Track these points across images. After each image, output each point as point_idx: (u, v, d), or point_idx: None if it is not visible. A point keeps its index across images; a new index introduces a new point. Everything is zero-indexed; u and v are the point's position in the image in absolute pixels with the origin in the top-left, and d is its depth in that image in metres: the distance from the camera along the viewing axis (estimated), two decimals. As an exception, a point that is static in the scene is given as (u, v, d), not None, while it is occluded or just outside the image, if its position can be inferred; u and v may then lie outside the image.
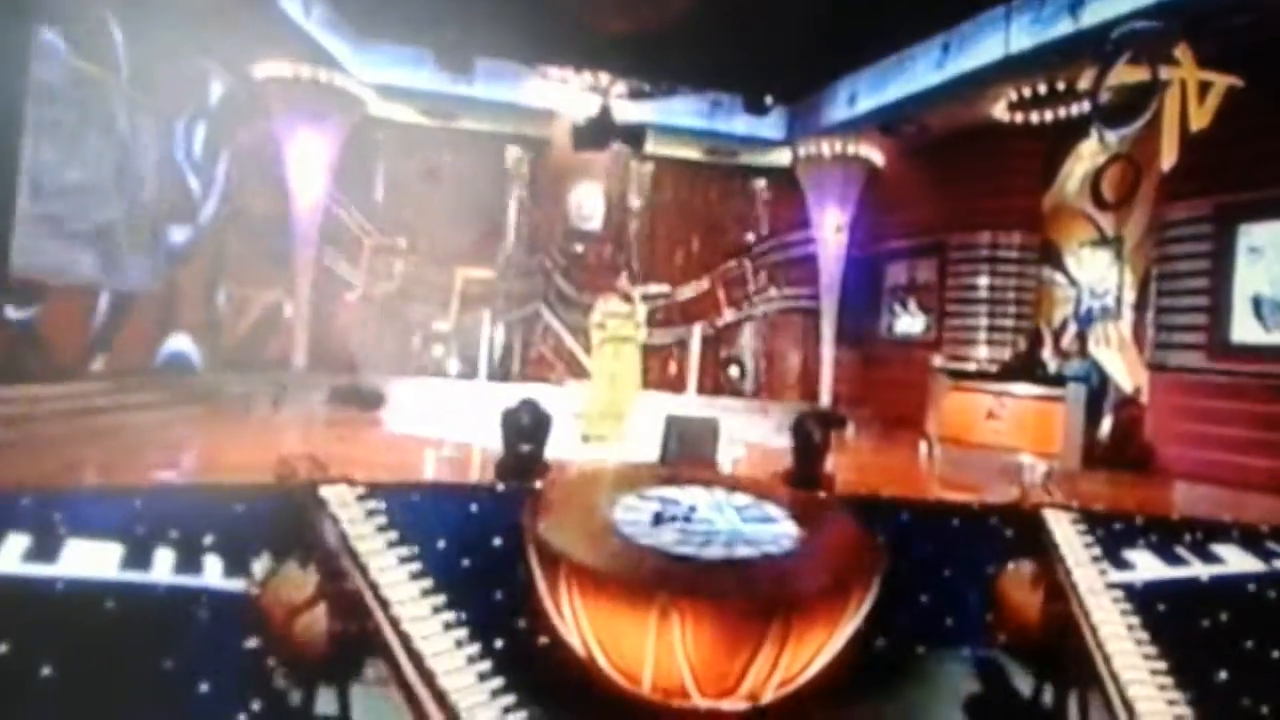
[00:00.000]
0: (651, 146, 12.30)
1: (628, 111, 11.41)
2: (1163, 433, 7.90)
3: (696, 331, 12.95)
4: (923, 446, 9.86)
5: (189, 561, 4.16)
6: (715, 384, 12.89)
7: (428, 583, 3.37)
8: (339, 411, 9.78)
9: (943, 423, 9.07)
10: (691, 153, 13.06)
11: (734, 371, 12.75)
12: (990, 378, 8.75)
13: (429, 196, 12.73)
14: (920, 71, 9.91)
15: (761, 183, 13.62)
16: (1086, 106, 8.51)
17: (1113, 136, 8.47)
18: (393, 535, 3.48)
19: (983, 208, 10.76)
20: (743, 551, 4.61)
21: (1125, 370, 8.93)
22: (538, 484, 5.45)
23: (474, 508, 5.23)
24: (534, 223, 13.13)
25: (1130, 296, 9.08)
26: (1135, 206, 8.84)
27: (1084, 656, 3.69)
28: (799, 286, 13.30)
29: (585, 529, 4.74)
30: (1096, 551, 4.16)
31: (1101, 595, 3.85)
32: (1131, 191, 8.79)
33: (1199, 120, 6.55)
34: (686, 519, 5.06)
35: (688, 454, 6.13)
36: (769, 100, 10.19)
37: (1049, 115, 9.09)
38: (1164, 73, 6.67)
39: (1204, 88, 6.54)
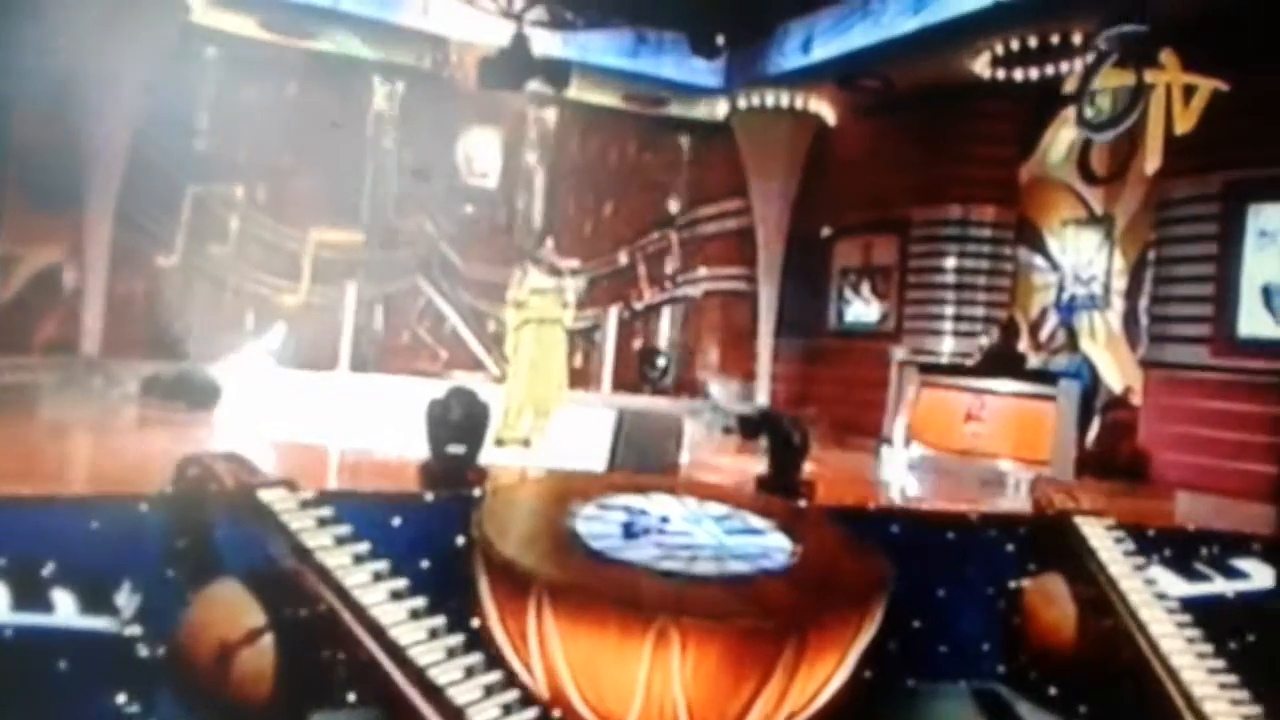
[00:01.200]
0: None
1: (540, 43, 11.37)
2: (1158, 437, 8.54)
3: (612, 316, 13.03)
4: (884, 452, 10.30)
5: (27, 596, 3.94)
6: (634, 379, 13.01)
7: (419, 602, 3.31)
8: (158, 409, 9.30)
9: (913, 425, 9.49)
10: (607, 98, 13.11)
11: (661, 361, 12.92)
12: (968, 373, 9.23)
13: (273, 135, 12.23)
14: (890, 17, 10.31)
15: (691, 139, 13.85)
16: (1078, 65, 9.16)
17: (1106, 103, 9.13)
18: (360, 548, 3.39)
19: (951, 177, 11.30)
20: (736, 567, 4.69)
21: (1114, 367, 9.61)
22: (475, 492, 5.39)
23: (397, 521, 5.13)
24: (412, 176, 12.88)
25: (1121, 284, 9.77)
26: (1129, 181, 9.52)
27: (1143, 674, 3.98)
28: (732, 265, 13.58)
29: (550, 544, 4.73)
30: (1140, 560, 4.49)
31: (1155, 607, 4.16)
32: (1125, 164, 9.46)
33: (1184, 123, 7.68)
34: (661, 531, 5.13)
35: (645, 458, 6.19)
36: (720, 40, 10.36)
37: (1036, 73, 9.67)
38: (1149, 76, 7.69)
39: (1189, 91, 7.64)
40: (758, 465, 8.05)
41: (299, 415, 8.90)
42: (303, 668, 3.17)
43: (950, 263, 11.30)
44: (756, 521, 5.44)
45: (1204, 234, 8.26)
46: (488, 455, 7.54)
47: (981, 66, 10.03)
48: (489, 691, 3.03)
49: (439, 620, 3.22)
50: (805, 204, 12.85)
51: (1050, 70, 9.61)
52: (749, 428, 11.92)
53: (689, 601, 4.24)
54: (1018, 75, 9.92)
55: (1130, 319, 9.52)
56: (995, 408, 8.69)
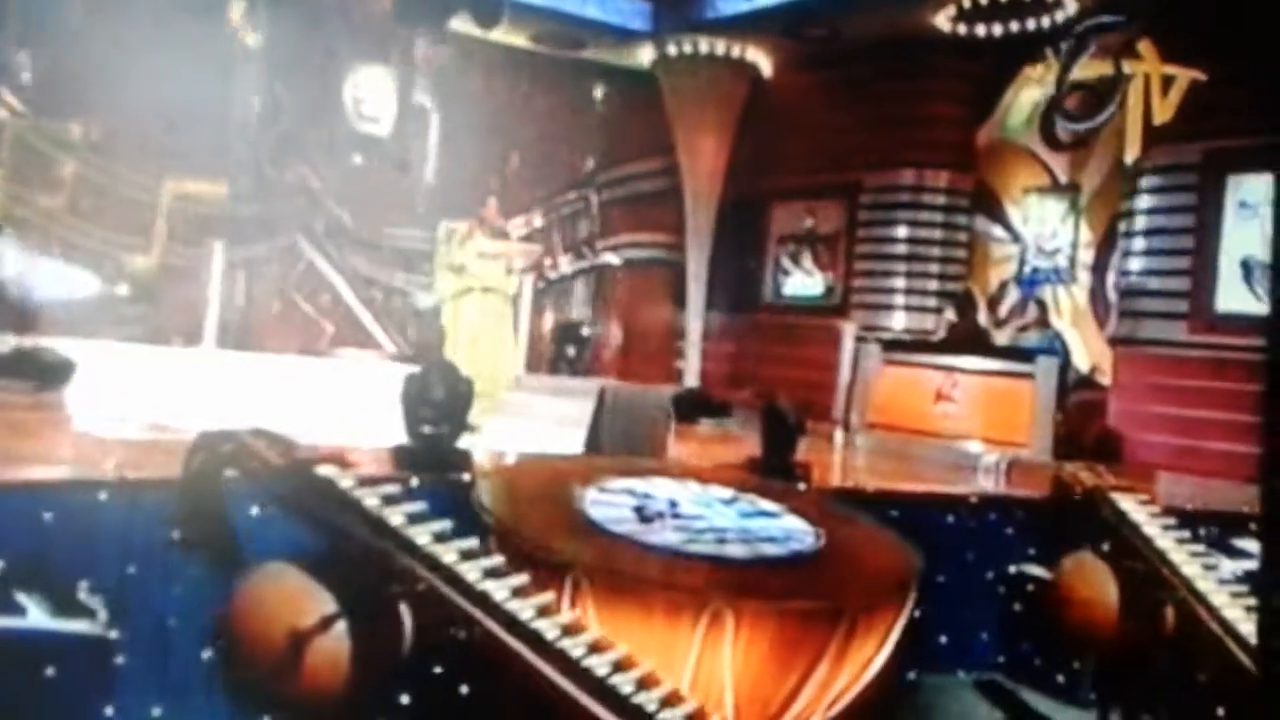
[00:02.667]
0: (457, 23, 12.35)
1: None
2: (1130, 417, 9.33)
3: (526, 287, 13.15)
4: (838, 436, 10.85)
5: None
6: (551, 357, 13.17)
7: (521, 579, 3.50)
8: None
9: (875, 406, 10.06)
10: (515, 37, 13.22)
11: (580, 339, 13.14)
12: (935, 350, 9.85)
13: (117, 64, 11.81)
14: (846, -39, 10.85)
15: (609, 88, 14.07)
16: (1046, 22, 9.88)
17: (1075, 73, 9.89)
18: (440, 525, 3.56)
19: (903, 140, 11.91)
20: (769, 550, 5.03)
21: (1080, 345, 10.40)
22: (465, 477, 5.57)
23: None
24: (290, 119, 12.66)
25: (1087, 256, 10.56)
26: (1095, 148, 10.29)
27: (1202, 646, 4.50)
28: (658, 231, 13.91)
29: (570, 529, 4.98)
30: (1184, 534, 5.04)
31: (1211, 578, 4.70)
32: (1092, 129, 10.24)
33: (1162, 114, 8.57)
34: (676, 515, 5.43)
35: (632, 439, 6.48)
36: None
37: (1001, 29, 10.33)
38: (1127, 67, 8.64)
39: (1167, 82, 8.53)
40: (719, 452, 8.48)
41: (153, 399, 8.75)
42: (390, 652, 3.33)
43: (902, 232, 11.92)
44: (766, 505, 5.81)
45: (1181, 205, 9.05)
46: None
47: (944, 20, 10.63)
48: (617, 667, 3.28)
49: (547, 597, 3.45)
50: (739, 164, 13.24)
51: (1015, 26, 10.28)
52: (683, 410, 12.33)
53: (742, 584, 4.57)
54: (980, 31, 10.57)
55: (1098, 294, 10.31)
56: (967, 386, 9.31)
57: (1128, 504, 5.12)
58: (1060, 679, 6.47)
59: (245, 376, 10.80)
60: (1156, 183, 9.25)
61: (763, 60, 13.07)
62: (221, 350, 11.66)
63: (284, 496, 3.67)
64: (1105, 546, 5.21)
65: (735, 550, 4.97)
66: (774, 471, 6.63)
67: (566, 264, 13.63)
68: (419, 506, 3.60)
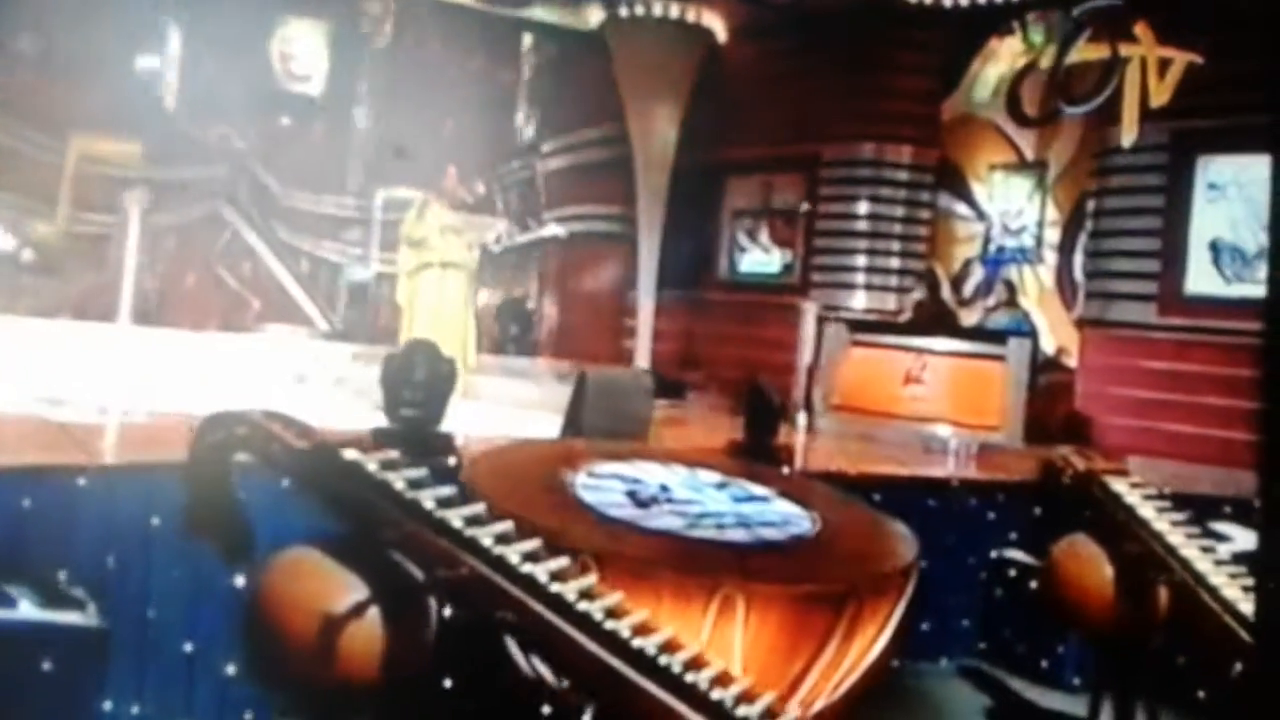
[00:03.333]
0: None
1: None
2: (1098, 400, 9.80)
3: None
4: (800, 419, 11.18)
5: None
6: (495, 335, 13.28)
7: (561, 561, 3.67)
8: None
9: (841, 388, 10.38)
10: (456, -8, 13.26)
11: (530, 309, 13.26)
12: (903, 331, 10.21)
13: (18, 12, 11.57)
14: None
15: (556, 49, 14.17)
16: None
17: (1039, 36, 10.28)
18: (472, 510, 3.71)
19: (864, 112, 12.24)
20: (768, 534, 5.29)
21: (1046, 326, 10.86)
22: (451, 460, 5.72)
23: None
24: (209, 74, 12.55)
25: (1054, 236, 11.01)
26: (1063, 125, 10.72)
27: (1216, 631, 4.85)
28: (607, 203, 14.09)
29: (570, 514, 5.18)
30: (1178, 516, 5.40)
31: (1209, 560, 5.05)
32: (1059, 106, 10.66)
33: (1159, 96, 9.02)
34: (670, 500, 5.66)
35: (615, 421, 6.67)
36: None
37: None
38: (1124, 50, 9.07)
39: (1163, 64, 8.97)
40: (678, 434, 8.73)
41: (61, 379, 8.72)
42: (426, 637, 3.48)
43: (863, 208, 12.26)
44: (756, 489, 6.07)
45: (1151, 185, 9.51)
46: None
47: (915, -14, 10.97)
48: (664, 648, 3.48)
49: (589, 580, 3.64)
50: (693, 134, 13.44)
51: (988, -4, 10.68)
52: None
53: (751, 567, 4.82)
54: (946, 0, 10.93)
55: (1064, 274, 10.77)
56: (937, 368, 9.66)
57: (1121, 487, 5.46)
58: (1044, 664, 6.86)
59: (160, 353, 10.77)
60: (1125, 162, 9.69)
61: (718, 25, 13.29)
62: (137, 327, 11.58)
63: (308, 481, 3.79)
64: (1098, 530, 5.56)
65: (736, 535, 5.22)
66: (755, 454, 6.89)
67: (509, 236, 13.74)
68: (448, 490, 3.75)
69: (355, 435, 3.87)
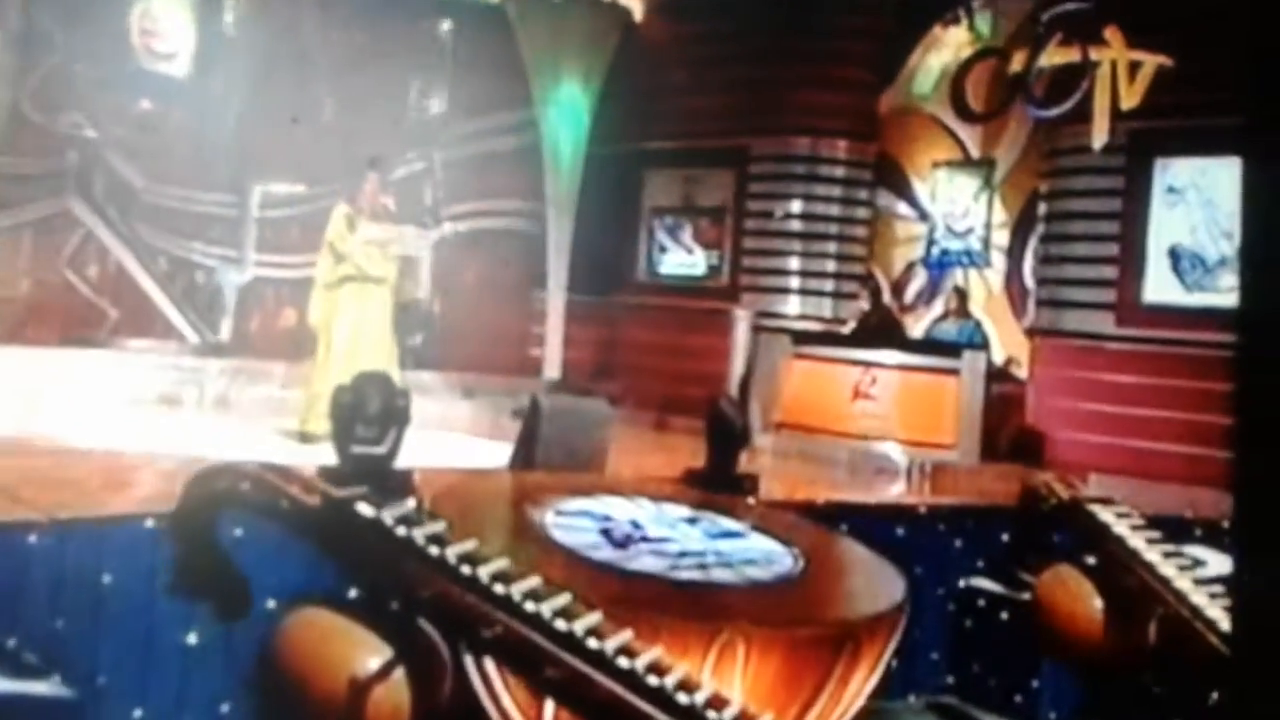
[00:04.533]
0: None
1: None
2: (1052, 414, 10.50)
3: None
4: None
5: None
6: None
7: (593, 618, 4.05)
8: None
9: (783, 404, 10.94)
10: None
11: (431, 317, 13.44)
12: (848, 342, 10.80)
13: None
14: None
15: (454, 26, 14.42)
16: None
17: (985, 26, 10.99)
18: (496, 566, 4.05)
19: (796, 103, 12.77)
20: (755, 574, 5.77)
21: (995, 335, 11.57)
22: (410, 502, 6.04)
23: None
24: (61, 53, 12.46)
25: (1002, 238, 11.73)
26: (1011, 120, 11.45)
27: (1216, 668, 5.46)
28: (513, 198, 14.40)
29: (548, 559, 5.57)
30: (1169, 546, 6.02)
31: (1202, 592, 5.67)
32: (1008, 99, 11.38)
33: (1129, 99, 9.78)
34: (645, 539, 6.09)
35: (570, 452, 7.06)
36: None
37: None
38: (1094, 53, 9.88)
39: (1134, 67, 9.74)
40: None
41: None
42: (457, 698, 3.84)
43: (795, 206, 12.81)
44: (730, 523, 6.53)
45: (1107, 188, 10.24)
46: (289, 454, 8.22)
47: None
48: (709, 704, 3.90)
49: (625, 635, 4.04)
50: (608, 123, 13.83)
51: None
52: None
53: (747, 610, 5.28)
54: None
55: (1014, 279, 11.49)
56: (887, 383, 10.29)
57: (1108, 516, 6.06)
58: (1017, 699, 7.47)
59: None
60: (1079, 163, 10.41)
61: (635, 3, 13.72)
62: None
63: (322, 539, 4.11)
64: (1081, 560, 6.17)
65: (723, 575, 5.67)
66: (718, 484, 7.35)
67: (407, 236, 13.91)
68: (469, 545, 4.11)
69: (366, 491, 4.17)
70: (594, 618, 4.23)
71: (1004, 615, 7.58)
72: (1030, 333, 10.99)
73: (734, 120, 13.04)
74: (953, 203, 12.10)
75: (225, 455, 7.82)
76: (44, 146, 12.46)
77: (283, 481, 4.20)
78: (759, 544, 6.25)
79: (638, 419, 13.24)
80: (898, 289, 12.51)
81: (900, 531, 7.70)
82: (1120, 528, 6.11)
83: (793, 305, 12.74)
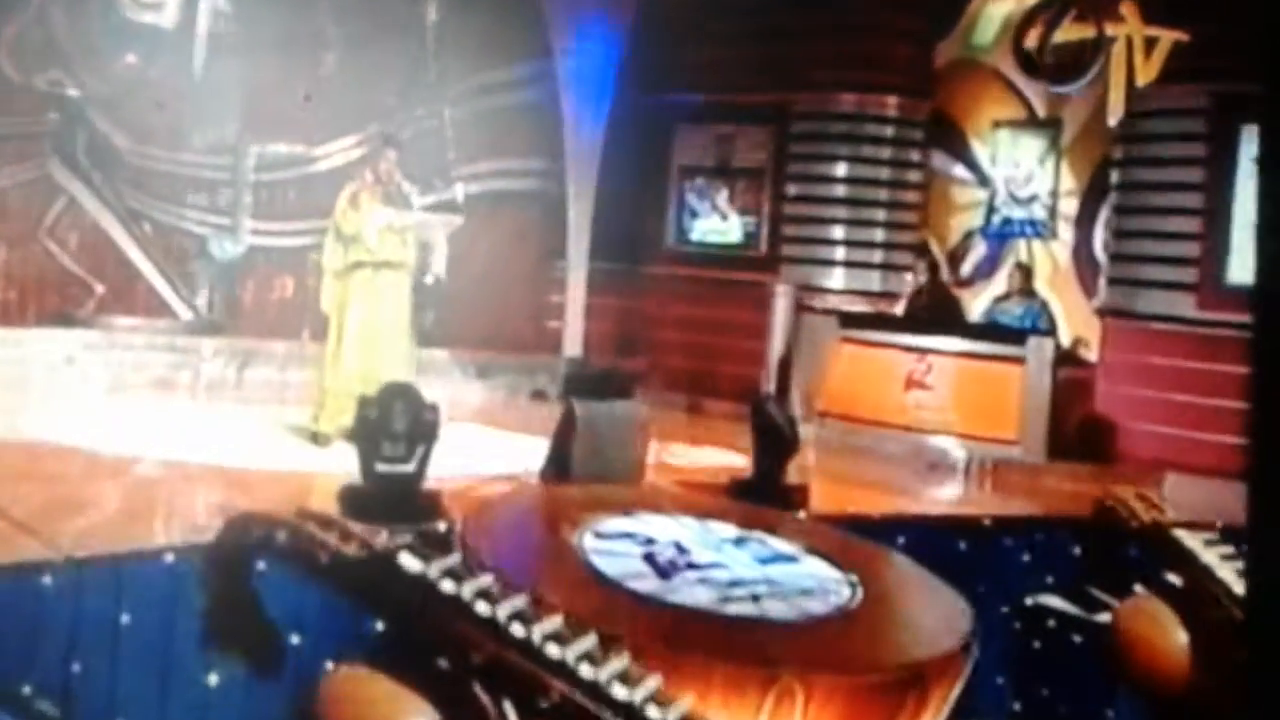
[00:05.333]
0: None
1: None
2: (1124, 403, 10.58)
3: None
4: (774, 423, 11.83)
5: None
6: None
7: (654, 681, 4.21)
8: None
9: (830, 391, 11.06)
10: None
11: (439, 286, 13.50)
12: (902, 326, 10.89)
13: None
14: None
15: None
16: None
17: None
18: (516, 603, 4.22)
19: (843, 55, 12.79)
20: (811, 606, 5.92)
21: (1061, 313, 11.65)
22: (441, 525, 6.21)
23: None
24: (38, 5, 12.51)
25: (1070, 207, 11.76)
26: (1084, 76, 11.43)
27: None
28: (530, 157, 14.43)
29: (587, 591, 5.73)
30: (1228, 549, 6.16)
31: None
32: (1079, 54, 11.38)
33: (1145, 75, 10.17)
34: (691, 565, 6.24)
35: (607, 462, 7.21)
36: None
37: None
38: (1110, 29, 10.33)
39: (1150, 43, 10.14)
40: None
41: None
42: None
43: (841, 169, 12.84)
44: (781, 545, 6.68)
45: (1188, 157, 10.27)
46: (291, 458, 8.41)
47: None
48: None
49: (685, 703, 4.18)
50: (635, 75, 13.86)
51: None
52: (575, 390, 13.05)
53: (805, 652, 5.43)
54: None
55: (1082, 252, 11.53)
56: (944, 371, 10.40)
57: (1193, 542, 6.19)
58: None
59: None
60: (1157, 129, 10.44)
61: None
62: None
63: (365, 596, 4.26)
64: (1163, 586, 6.30)
65: (777, 609, 5.82)
66: (765, 495, 7.51)
67: (417, 199, 13.94)
68: (520, 602, 4.26)
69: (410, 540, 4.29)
70: (653, 682, 4.40)
71: (1076, 637, 7.74)
72: (1101, 313, 11.04)
73: (773, 73, 13.02)
74: (1016, 166, 12.11)
75: (235, 460, 8.06)
76: (21, 106, 12.52)
77: (320, 531, 4.35)
78: (812, 569, 6.40)
79: (668, 401, 13.37)
80: (954, 260, 12.55)
81: (962, 545, 7.84)
82: (1208, 556, 6.23)
83: (837, 279, 12.76)
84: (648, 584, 5.86)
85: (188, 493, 7.28)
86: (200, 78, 13.08)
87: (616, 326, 14.43)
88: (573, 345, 14.19)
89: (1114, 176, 10.93)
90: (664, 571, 6.08)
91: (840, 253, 12.86)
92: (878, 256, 12.76)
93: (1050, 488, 9.87)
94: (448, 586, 4.30)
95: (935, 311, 11.20)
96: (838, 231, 12.88)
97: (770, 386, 12.10)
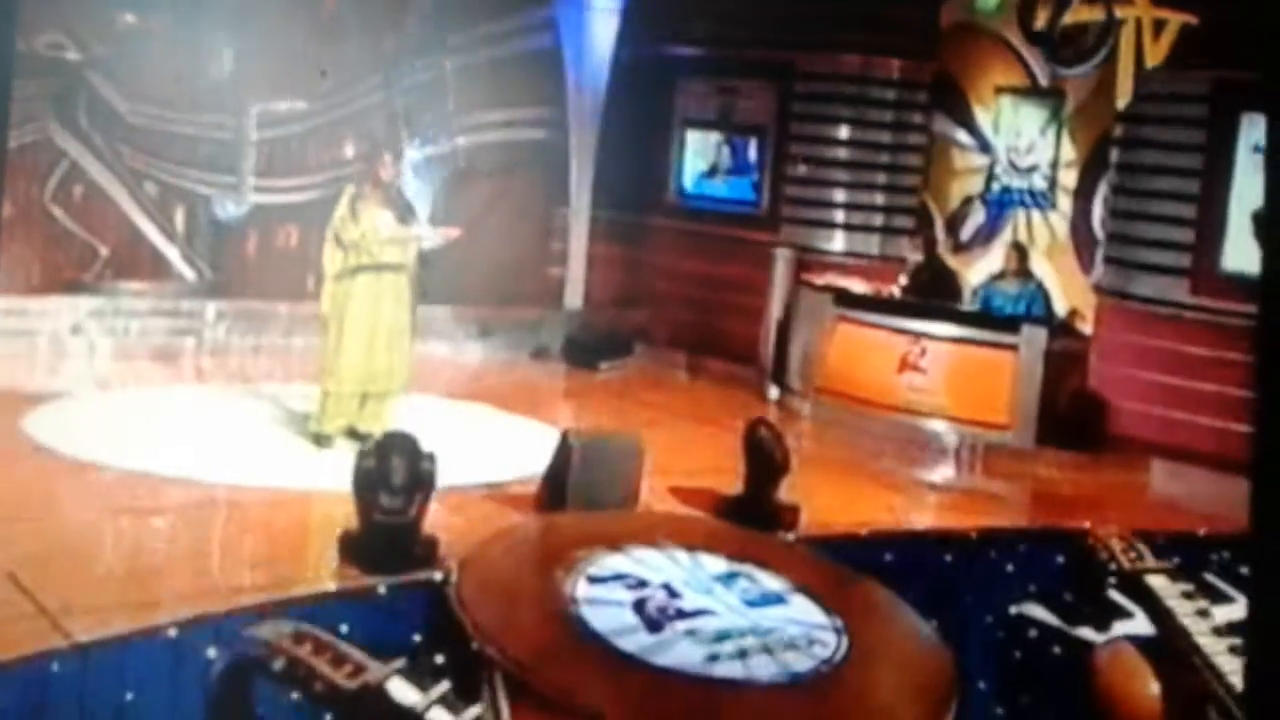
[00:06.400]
0: None
1: None
2: (1116, 382, 10.66)
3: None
4: (772, 392, 11.99)
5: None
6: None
7: None
8: None
9: (826, 369, 11.20)
10: None
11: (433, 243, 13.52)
12: (898, 310, 10.97)
13: None
14: None
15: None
16: None
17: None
18: None
19: (847, 15, 12.67)
20: (795, 663, 6.13)
21: (1056, 282, 11.69)
22: (437, 575, 6.42)
23: (344, 629, 6.08)
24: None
25: (1069, 178, 11.74)
26: (1085, 49, 11.34)
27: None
28: (531, 106, 14.38)
29: (573, 651, 5.96)
30: (1221, 622, 6.34)
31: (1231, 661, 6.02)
32: (1085, 24, 11.29)
33: (1154, 57, 10.24)
34: (680, 613, 6.45)
35: (601, 490, 7.40)
36: None
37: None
38: (1118, 11, 10.40)
39: (1158, 25, 10.22)
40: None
41: None
42: None
43: (844, 131, 12.83)
44: (769, 580, 6.88)
45: (1186, 142, 10.26)
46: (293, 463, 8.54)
47: None
48: None
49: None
50: (638, 23, 13.76)
51: None
52: (576, 353, 13.21)
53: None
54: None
55: (1080, 226, 11.56)
56: (938, 355, 10.52)
57: (1171, 597, 6.35)
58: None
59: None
60: (1157, 111, 10.40)
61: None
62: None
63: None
64: (1143, 635, 6.50)
65: (762, 667, 6.04)
66: (756, 516, 7.71)
67: (414, 152, 13.98)
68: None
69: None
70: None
71: (1056, 649, 7.96)
72: (1097, 289, 11.11)
73: (776, 30, 12.95)
74: (1017, 135, 12.05)
75: (234, 474, 8.17)
76: (21, 69, 12.43)
77: (316, 659, 4.54)
78: (800, 612, 6.62)
79: (668, 359, 13.55)
80: (953, 225, 12.54)
81: (948, 558, 8.04)
82: (1184, 614, 6.41)
83: (837, 241, 12.82)
84: (637, 639, 6.10)
85: (191, 533, 7.39)
86: (199, 34, 13.01)
87: (618, 274, 14.56)
88: (574, 295, 14.26)
89: (1113, 155, 10.92)
90: (653, 623, 6.32)
91: (840, 215, 12.88)
92: (878, 220, 12.81)
93: (1038, 472, 10.09)
94: (439, 717, 4.51)
95: (934, 288, 11.27)
96: (838, 194, 12.90)
97: (768, 349, 12.26)
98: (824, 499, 8.59)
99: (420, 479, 6.56)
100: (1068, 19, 10.79)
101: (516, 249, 14.31)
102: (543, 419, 10.32)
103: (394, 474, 6.47)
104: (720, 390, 12.28)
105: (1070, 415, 10.69)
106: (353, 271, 8.76)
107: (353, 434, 8.82)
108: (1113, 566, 6.70)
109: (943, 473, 10.28)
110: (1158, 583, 6.52)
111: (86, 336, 11.90)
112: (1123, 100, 10.49)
